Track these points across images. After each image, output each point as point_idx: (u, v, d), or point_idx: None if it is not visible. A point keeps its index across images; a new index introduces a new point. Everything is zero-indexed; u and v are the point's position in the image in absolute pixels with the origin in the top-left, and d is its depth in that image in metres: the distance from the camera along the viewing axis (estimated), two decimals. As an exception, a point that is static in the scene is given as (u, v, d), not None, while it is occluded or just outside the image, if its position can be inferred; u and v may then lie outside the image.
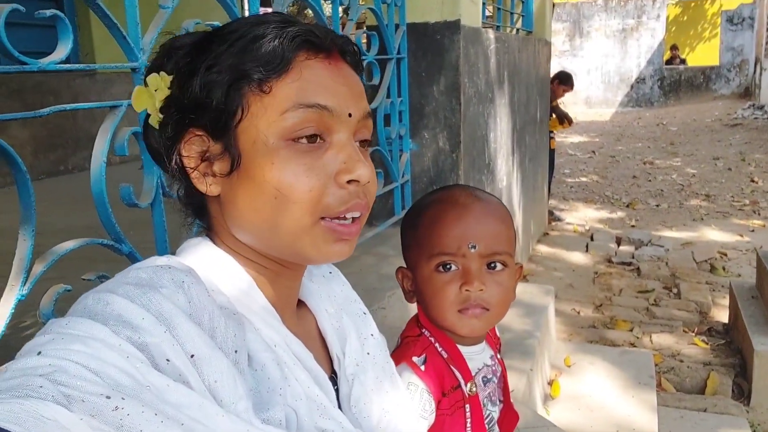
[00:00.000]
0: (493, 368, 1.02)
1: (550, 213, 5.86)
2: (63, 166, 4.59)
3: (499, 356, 1.06)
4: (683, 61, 16.39)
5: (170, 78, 0.67)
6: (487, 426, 0.97)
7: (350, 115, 0.67)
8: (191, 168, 0.67)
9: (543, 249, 5.01)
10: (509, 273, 0.95)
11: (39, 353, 0.50)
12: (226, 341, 0.60)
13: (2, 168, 3.98)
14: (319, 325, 0.79)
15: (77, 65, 1.13)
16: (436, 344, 0.96)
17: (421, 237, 0.95)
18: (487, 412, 0.99)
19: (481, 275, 0.92)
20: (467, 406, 0.94)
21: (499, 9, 3.87)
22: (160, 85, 0.67)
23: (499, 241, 0.93)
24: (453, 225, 0.93)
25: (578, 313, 3.80)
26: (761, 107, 12.70)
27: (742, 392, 2.84)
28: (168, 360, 0.53)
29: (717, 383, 2.86)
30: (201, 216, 0.73)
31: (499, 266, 0.94)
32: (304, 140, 0.65)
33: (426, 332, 0.97)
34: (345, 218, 0.67)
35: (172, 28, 0.93)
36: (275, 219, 0.65)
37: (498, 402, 1.04)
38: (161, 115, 0.68)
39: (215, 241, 0.71)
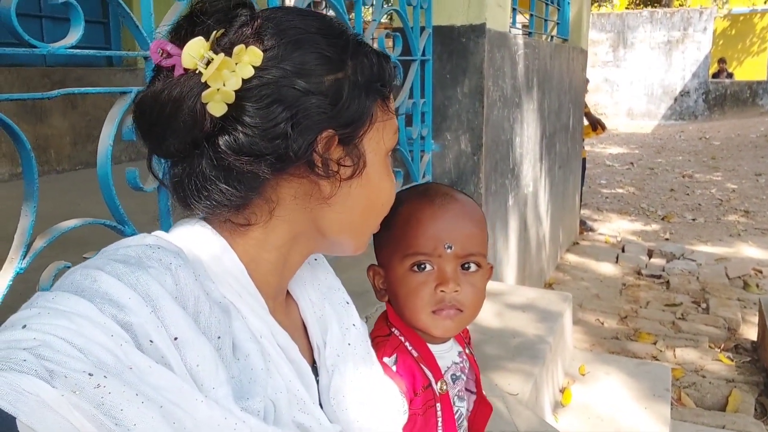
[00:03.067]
0: (461, 365, 1.02)
1: (582, 223, 5.79)
2: (100, 157, 4.71)
3: (467, 351, 1.05)
4: (730, 75, 16.00)
5: (263, 56, 0.61)
6: (456, 422, 0.97)
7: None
8: (325, 166, 0.65)
9: (572, 258, 4.95)
10: (482, 274, 0.94)
11: (24, 326, 0.49)
12: (210, 326, 0.59)
13: (40, 156, 4.13)
14: (301, 313, 0.79)
15: (90, 51, 1.17)
16: (406, 343, 0.95)
17: (396, 235, 0.93)
18: (456, 408, 0.98)
19: (456, 276, 0.91)
20: (438, 404, 0.94)
21: (532, 15, 3.86)
22: (251, 59, 0.61)
23: (475, 242, 0.93)
24: (429, 224, 0.91)
25: (602, 323, 3.74)
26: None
27: (765, 411, 2.77)
28: (151, 341, 0.53)
29: (739, 401, 2.80)
30: (242, 205, 0.67)
31: (473, 267, 0.93)
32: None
33: (396, 331, 0.96)
34: None
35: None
36: (373, 219, 0.76)
37: (464, 398, 1.03)
38: (232, 101, 0.61)
39: (213, 224, 0.69)
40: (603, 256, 5.03)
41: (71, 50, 1.09)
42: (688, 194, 7.54)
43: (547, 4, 4.22)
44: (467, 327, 1.05)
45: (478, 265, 0.93)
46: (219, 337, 0.59)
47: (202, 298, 0.59)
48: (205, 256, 0.66)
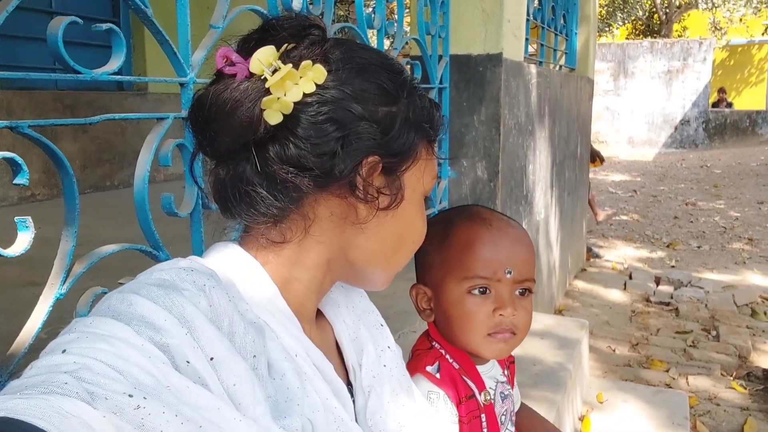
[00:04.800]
0: (506, 386, 1.03)
1: (589, 249, 5.80)
2: (109, 181, 4.73)
3: (507, 374, 1.06)
4: (730, 105, 16.16)
5: (326, 75, 0.65)
6: None
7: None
8: (365, 190, 0.67)
9: (580, 285, 4.95)
10: (533, 298, 0.97)
11: (64, 351, 0.50)
12: (245, 346, 0.60)
13: (50, 179, 4.16)
14: (336, 335, 0.80)
15: (129, 77, 1.22)
16: (447, 356, 0.97)
17: (452, 257, 0.94)
18: (505, 430, 0.99)
19: (513, 301, 0.93)
20: (483, 415, 0.95)
21: (542, 45, 3.91)
22: (315, 76, 0.64)
23: (530, 268, 0.95)
24: (490, 249, 0.93)
25: (614, 350, 3.73)
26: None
27: (783, 441, 2.76)
28: (188, 362, 0.54)
29: (755, 429, 2.78)
30: (279, 222, 0.69)
31: (527, 293, 0.95)
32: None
33: (437, 345, 0.98)
34: None
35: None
36: (402, 254, 0.76)
37: (513, 420, 1.04)
38: (290, 110, 0.64)
39: (245, 246, 0.71)
40: (611, 282, 5.04)
41: (113, 76, 1.11)
42: (692, 222, 7.56)
43: (556, 35, 4.27)
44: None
45: (530, 291, 0.95)
46: (254, 356, 0.61)
47: (236, 318, 0.61)
48: (238, 278, 0.68)
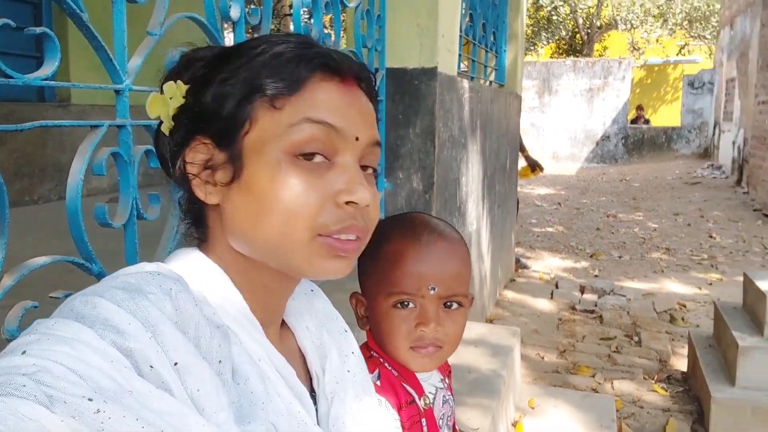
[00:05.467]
0: (445, 392, 1.05)
1: (517, 260, 5.95)
2: (28, 196, 4.50)
3: (447, 382, 1.08)
4: (647, 121, 17.00)
5: (186, 87, 0.70)
6: None
7: (357, 138, 0.69)
8: (193, 175, 0.69)
9: (510, 294, 5.07)
10: (464, 311, 0.97)
11: (23, 352, 0.49)
12: (211, 351, 0.60)
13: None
14: (299, 342, 0.80)
15: (65, 83, 1.15)
16: (386, 364, 0.98)
17: (381, 270, 0.95)
18: None
19: (438, 316, 0.94)
20: (423, 419, 0.96)
21: (474, 61, 4.02)
22: (175, 93, 0.70)
23: (458, 283, 0.95)
24: (415, 264, 0.93)
25: (542, 358, 3.84)
26: (719, 167, 13.16)
27: (700, 439, 2.90)
28: (152, 366, 0.53)
29: (676, 429, 2.92)
30: (198, 226, 0.74)
31: (455, 306, 0.96)
32: (307, 157, 0.67)
33: (375, 354, 0.99)
34: (340, 237, 0.68)
35: (157, 55, 0.97)
36: (271, 232, 0.66)
37: (450, 427, 1.06)
38: (173, 123, 0.71)
39: (207, 252, 0.72)
40: (538, 292, 5.18)
41: (48, 81, 1.07)
42: (613, 233, 7.87)
43: (486, 51, 4.39)
44: (448, 361, 1.09)
45: (460, 304, 0.96)
46: (220, 362, 0.61)
47: (202, 323, 0.61)
48: (202, 282, 0.68)
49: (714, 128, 14.89)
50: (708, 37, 20.00)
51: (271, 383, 0.67)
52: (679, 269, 6.11)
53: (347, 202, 0.67)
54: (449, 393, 1.07)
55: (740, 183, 11.19)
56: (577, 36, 22.44)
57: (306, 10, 1.99)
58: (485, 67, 4.43)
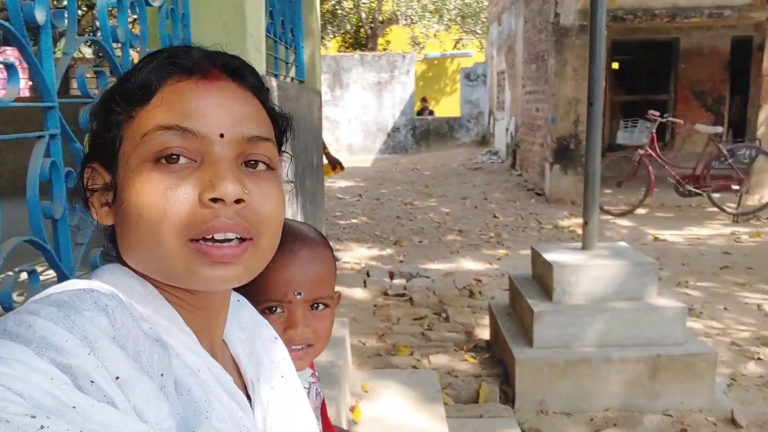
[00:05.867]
0: (317, 385, 1.11)
1: (328, 253, 6.10)
2: None
3: (316, 374, 1.15)
4: (432, 113, 18.18)
5: None
6: None
7: (222, 135, 0.67)
8: (86, 198, 0.70)
9: (324, 287, 5.20)
10: (331, 310, 1.04)
11: None
12: (152, 364, 0.60)
13: None
14: (232, 351, 0.80)
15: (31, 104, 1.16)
16: None
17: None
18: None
19: (305, 318, 0.99)
20: None
21: (275, 58, 4.05)
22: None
23: (323, 286, 1.01)
24: (280, 272, 0.97)
25: (364, 344, 4.02)
26: (496, 153, 14.53)
27: (507, 397, 3.24)
28: (92, 382, 0.53)
29: (487, 392, 3.24)
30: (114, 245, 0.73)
31: (321, 306, 1.02)
32: (164, 161, 0.65)
33: None
34: (214, 239, 0.65)
35: None
36: (145, 245, 0.65)
37: (319, 419, 1.12)
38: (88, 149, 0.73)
39: (129, 267, 0.71)
40: (352, 282, 5.38)
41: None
42: (411, 220, 8.36)
43: (286, 48, 4.44)
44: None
45: (327, 305, 1.02)
46: (162, 375, 0.61)
47: (141, 337, 0.61)
48: (133, 297, 0.67)
49: (489, 117, 16.38)
50: (479, 32, 21.92)
51: (212, 392, 0.68)
52: (472, 248, 6.68)
53: (213, 200, 0.64)
54: (318, 385, 1.13)
55: (514, 166, 12.45)
56: (362, 30, 23.28)
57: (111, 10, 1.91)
58: (287, 64, 4.48)
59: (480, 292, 5.09)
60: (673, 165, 8.24)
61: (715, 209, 7.97)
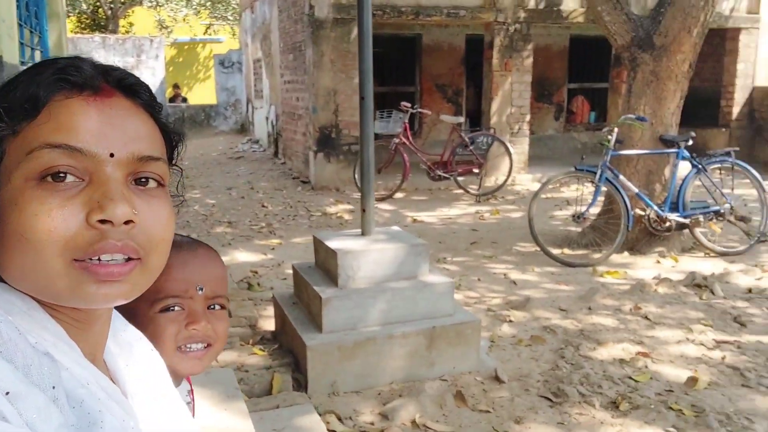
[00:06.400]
0: (192, 404, 1.09)
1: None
2: None
3: (192, 392, 1.13)
4: (185, 100, 17.49)
5: None
6: None
7: (112, 155, 0.65)
8: None
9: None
10: (226, 313, 1.05)
11: None
12: (42, 377, 0.59)
13: None
14: (109, 364, 0.79)
15: None
16: None
17: None
18: None
19: (207, 315, 1.00)
20: None
21: (22, 44, 3.63)
22: None
23: (222, 285, 1.03)
24: (180, 268, 0.97)
25: (144, 348, 3.82)
26: (257, 141, 14.49)
27: (300, 384, 3.33)
28: None
29: (280, 382, 3.30)
30: None
31: (218, 307, 1.02)
32: (50, 179, 0.63)
33: None
34: (100, 260, 0.64)
35: None
36: (27, 264, 0.63)
37: None
38: None
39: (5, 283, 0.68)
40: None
41: None
42: (176, 213, 8.03)
43: (32, 32, 4.01)
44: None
45: (222, 306, 1.02)
46: (54, 387, 0.60)
47: (29, 351, 0.60)
48: (13, 313, 0.65)
49: (247, 105, 16.23)
50: (230, 18, 21.50)
51: (103, 404, 0.67)
52: (244, 239, 6.64)
53: (101, 221, 0.63)
54: (192, 403, 1.10)
55: (277, 155, 12.55)
56: (100, 11, 21.52)
57: None
58: (32, 49, 4.04)
59: (258, 284, 5.10)
60: (424, 152, 8.98)
61: (461, 191, 8.87)
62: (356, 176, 8.53)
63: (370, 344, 3.34)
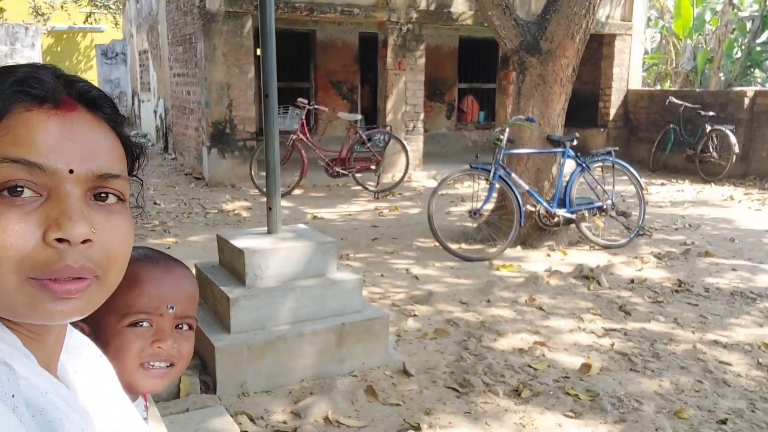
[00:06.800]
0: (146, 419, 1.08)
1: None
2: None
3: (147, 408, 1.11)
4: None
5: None
6: None
7: (71, 171, 0.64)
8: None
9: None
10: (193, 334, 1.04)
11: None
12: (2, 387, 0.58)
13: None
14: (59, 374, 0.77)
15: None
16: None
17: (114, 293, 0.93)
18: None
19: (174, 334, 0.99)
20: None
21: None
22: None
23: (192, 305, 1.02)
24: (154, 285, 0.97)
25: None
26: (145, 135, 13.91)
27: (208, 386, 3.27)
28: None
29: (188, 385, 3.22)
30: None
31: (185, 327, 1.02)
32: (6, 193, 0.61)
33: None
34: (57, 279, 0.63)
35: None
36: None
37: None
38: None
39: None
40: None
41: None
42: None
43: None
44: None
45: (191, 327, 1.01)
46: (13, 396, 0.60)
47: None
48: None
49: (133, 98, 15.53)
50: (112, 7, 20.42)
51: (62, 412, 0.66)
52: (137, 239, 6.23)
53: (58, 240, 0.62)
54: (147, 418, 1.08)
55: (167, 150, 12.11)
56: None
57: None
58: None
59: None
60: (322, 149, 8.99)
61: (359, 188, 8.96)
62: (253, 172, 8.41)
63: (280, 343, 3.33)
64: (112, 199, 0.69)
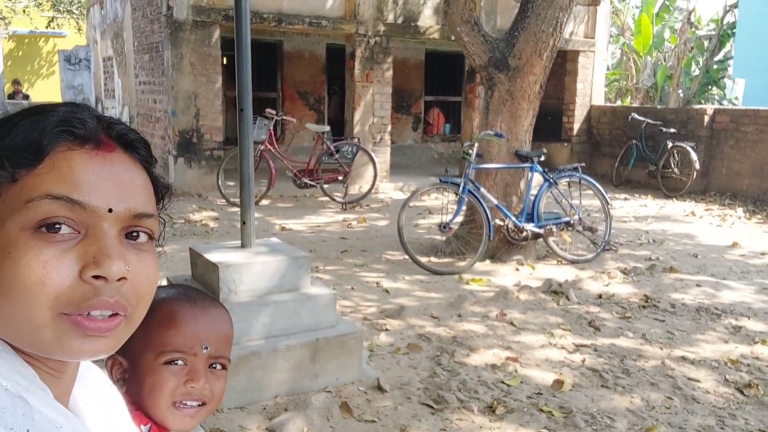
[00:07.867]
0: None
1: None
2: None
3: None
4: (27, 97, 16.13)
5: None
6: None
7: (110, 210, 0.66)
8: None
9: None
10: (226, 373, 1.05)
11: None
12: (17, 421, 0.59)
13: None
14: (71, 407, 0.77)
15: None
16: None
17: (152, 332, 0.96)
18: None
19: (207, 374, 1.00)
20: None
21: None
22: None
23: (227, 346, 1.04)
24: (190, 324, 0.98)
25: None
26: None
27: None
28: None
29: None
30: None
31: (219, 367, 1.02)
32: (44, 230, 0.63)
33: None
34: (89, 314, 0.65)
35: None
36: (13, 313, 0.63)
37: None
38: None
39: None
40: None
41: None
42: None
43: None
44: None
45: (224, 367, 1.02)
46: (28, 431, 0.61)
47: (2, 394, 0.60)
48: None
49: (97, 105, 15.23)
50: (76, 12, 20.03)
51: None
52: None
53: (95, 276, 0.64)
54: None
55: (131, 158, 11.89)
56: None
57: None
58: None
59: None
60: (290, 159, 8.96)
61: (327, 199, 8.94)
62: (220, 182, 8.33)
63: (254, 358, 3.30)
64: (143, 237, 0.71)
